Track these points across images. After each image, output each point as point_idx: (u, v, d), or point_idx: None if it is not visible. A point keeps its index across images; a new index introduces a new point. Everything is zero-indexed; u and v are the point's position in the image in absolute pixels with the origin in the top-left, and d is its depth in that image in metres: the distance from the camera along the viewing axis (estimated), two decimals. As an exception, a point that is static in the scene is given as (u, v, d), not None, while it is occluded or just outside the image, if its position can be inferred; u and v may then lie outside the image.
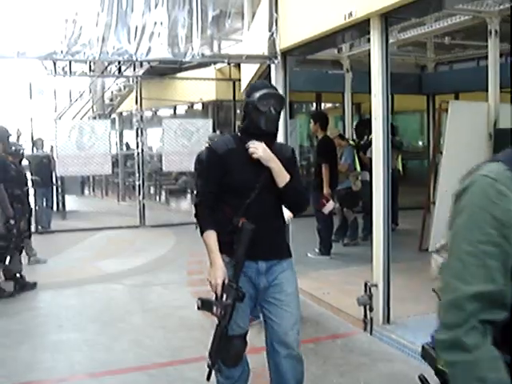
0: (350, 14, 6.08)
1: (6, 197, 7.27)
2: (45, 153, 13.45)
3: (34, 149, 13.56)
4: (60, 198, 14.61)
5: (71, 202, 15.26)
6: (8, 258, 7.46)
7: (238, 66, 13.51)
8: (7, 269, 7.64)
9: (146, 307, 7.14)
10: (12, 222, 7.36)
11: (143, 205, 12.80)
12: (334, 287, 7.30)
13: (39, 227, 12.27)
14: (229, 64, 13.86)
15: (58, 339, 6.13)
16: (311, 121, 9.34)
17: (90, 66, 17.10)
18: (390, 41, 6.44)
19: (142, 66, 14.02)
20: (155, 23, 8.61)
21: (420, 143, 18.46)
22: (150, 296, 7.69)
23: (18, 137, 13.61)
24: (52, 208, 13.69)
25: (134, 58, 8.56)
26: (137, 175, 12.91)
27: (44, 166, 12.79)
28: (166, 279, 8.40)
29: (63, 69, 16.65)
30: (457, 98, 14.09)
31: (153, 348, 5.76)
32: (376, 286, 5.84)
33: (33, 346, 5.99)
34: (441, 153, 8.80)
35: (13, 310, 7.30)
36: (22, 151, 9.15)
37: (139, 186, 12.63)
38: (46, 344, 6.03)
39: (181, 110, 19.22)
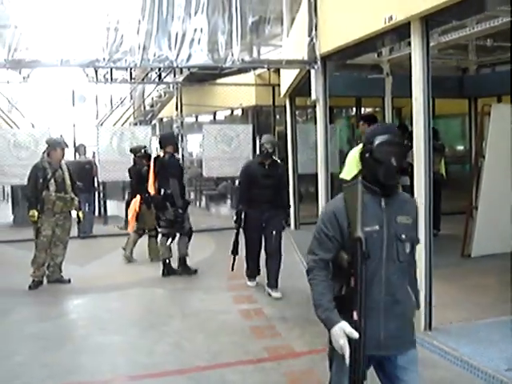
0: (391, 18, 6.05)
1: (178, 189, 8.66)
2: (87, 159, 13.65)
3: (77, 155, 13.79)
4: (102, 203, 14.80)
5: (113, 207, 15.41)
6: (170, 240, 8.90)
7: (278, 71, 13.55)
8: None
9: (186, 311, 7.18)
10: (180, 210, 8.68)
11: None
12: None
13: (81, 232, 12.44)
14: (268, 69, 13.90)
15: (100, 342, 6.21)
16: (361, 122, 9.14)
17: (131, 73, 17.36)
18: (431, 44, 6.36)
19: (181, 72, 14.14)
20: (195, 30, 8.70)
21: (461, 147, 18.20)
22: (191, 300, 7.73)
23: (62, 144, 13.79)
24: (94, 213, 13.87)
25: (175, 65, 8.67)
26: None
27: (86, 171, 12.98)
28: (206, 284, 8.45)
29: (104, 76, 16.94)
30: (499, 101, 13.84)
31: (193, 352, 5.80)
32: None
33: (75, 348, 6.09)
34: (483, 157, 8.67)
35: (55, 312, 7.44)
36: None
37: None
38: (88, 346, 6.11)
39: (220, 115, 19.30)
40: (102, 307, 7.61)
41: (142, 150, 10.21)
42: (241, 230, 7.85)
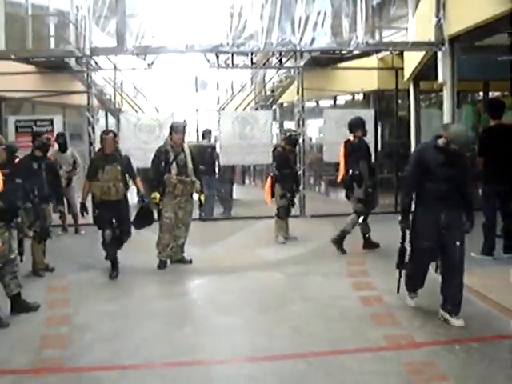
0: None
1: (367, 170, 9.13)
2: (208, 143, 13.90)
3: (200, 138, 14.09)
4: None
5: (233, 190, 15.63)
6: (361, 218, 9.26)
7: (401, 54, 13.18)
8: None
9: (305, 296, 7.16)
10: (370, 190, 9.14)
11: (303, 195, 12.87)
12: (500, 285, 6.88)
13: (202, 214, 12.72)
14: (391, 52, 13.57)
15: (219, 322, 6.33)
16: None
17: (252, 59, 17.49)
18: None
19: (302, 57, 14.10)
20: (319, 13, 8.63)
21: None
22: (310, 285, 7.70)
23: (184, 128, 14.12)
24: (214, 196, 14.13)
25: (298, 48, 8.65)
26: (298, 165, 13.00)
27: (208, 155, 13.23)
28: (325, 269, 8.38)
29: (225, 62, 17.17)
30: None
31: (312, 337, 5.78)
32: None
33: (196, 327, 6.25)
34: None
35: (177, 291, 7.67)
36: None
37: (300, 175, 12.67)
38: (208, 326, 6.23)
39: (341, 100, 19.08)
40: (222, 288, 7.76)
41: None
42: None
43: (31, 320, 6.45)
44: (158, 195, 8.48)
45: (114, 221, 8.11)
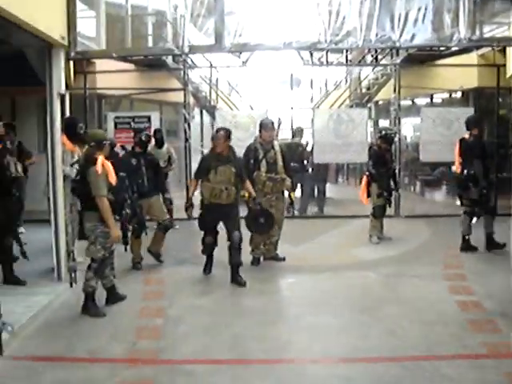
0: None
1: (482, 170, 8.98)
2: (299, 141, 13.84)
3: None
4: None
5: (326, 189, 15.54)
6: (474, 219, 9.21)
7: (503, 50, 12.70)
8: None
9: (401, 298, 7.02)
10: (484, 190, 8.98)
11: (398, 194, 12.63)
12: None
13: (294, 212, 12.70)
14: (493, 48, 13.10)
15: (312, 321, 6.29)
16: None
17: (347, 56, 17.34)
18: None
19: (398, 54, 13.81)
20: (419, 8, 8.42)
21: None
22: (405, 287, 7.54)
23: (279, 125, 14.16)
24: (307, 194, 14.08)
25: (397, 45, 8.47)
26: (394, 164, 12.75)
27: (298, 153, 13.18)
28: (421, 271, 8.18)
29: (319, 59, 17.09)
30: None
31: (408, 340, 5.65)
32: None
33: (288, 325, 6.26)
34: None
35: (270, 288, 7.69)
36: None
37: (395, 175, 12.44)
38: (302, 325, 6.20)
39: (437, 98, 18.60)
40: (315, 287, 7.71)
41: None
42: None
43: (127, 311, 6.66)
44: (246, 193, 8.47)
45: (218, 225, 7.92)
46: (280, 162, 8.64)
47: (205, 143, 15.06)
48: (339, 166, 19.48)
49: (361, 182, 10.63)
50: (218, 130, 8.03)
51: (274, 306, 6.96)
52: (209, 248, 8.05)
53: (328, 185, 15.08)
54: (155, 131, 11.62)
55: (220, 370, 5.12)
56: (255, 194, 8.11)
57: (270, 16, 10.42)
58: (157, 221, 8.83)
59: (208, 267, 8.17)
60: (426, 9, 8.47)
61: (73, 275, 7.55)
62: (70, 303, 6.91)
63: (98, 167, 6.34)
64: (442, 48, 12.93)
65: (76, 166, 7.81)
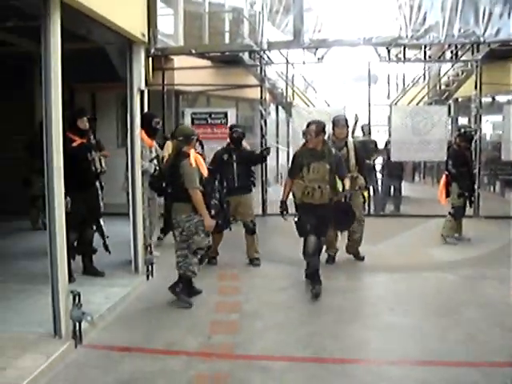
0: None
1: None
2: (366, 138, 13.66)
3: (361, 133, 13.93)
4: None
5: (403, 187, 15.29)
6: None
7: None
8: None
9: (480, 301, 6.82)
10: None
11: (478, 194, 12.27)
12: None
13: (371, 210, 12.56)
14: None
15: (389, 322, 6.20)
16: None
17: (425, 52, 16.96)
18: None
19: (478, 50, 13.40)
20: (505, 2, 8.16)
21: None
22: (486, 290, 7.32)
23: (356, 122, 14.02)
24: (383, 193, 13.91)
25: (482, 40, 8.24)
26: (474, 163, 12.42)
27: (368, 151, 12.99)
28: (503, 274, 7.82)
29: (396, 55, 16.80)
30: None
31: (488, 345, 5.48)
32: None
33: (364, 324, 6.17)
34: None
35: (348, 287, 7.60)
36: None
37: (475, 174, 12.11)
38: (378, 325, 6.13)
39: (519, 95, 17.98)
40: (391, 287, 7.61)
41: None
42: None
43: (203, 305, 6.72)
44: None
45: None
46: (353, 160, 8.43)
47: (280, 139, 15.14)
48: (416, 164, 19.12)
49: (438, 181, 10.38)
50: (308, 124, 7.32)
51: (350, 304, 6.86)
52: (312, 248, 7.15)
53: (404, 183, 14.81)
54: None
55: (295, 368, 5.10)
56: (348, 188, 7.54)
57: (349, 12, 10.35)
58: (242, 222, 8.69)
59: (315, 278, 7.21)
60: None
61: (149, 268, 7.68)
62: (146, 295, 7.06)
63: (192, 160, 6.54)
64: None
65: (155, 161, 7.94)
